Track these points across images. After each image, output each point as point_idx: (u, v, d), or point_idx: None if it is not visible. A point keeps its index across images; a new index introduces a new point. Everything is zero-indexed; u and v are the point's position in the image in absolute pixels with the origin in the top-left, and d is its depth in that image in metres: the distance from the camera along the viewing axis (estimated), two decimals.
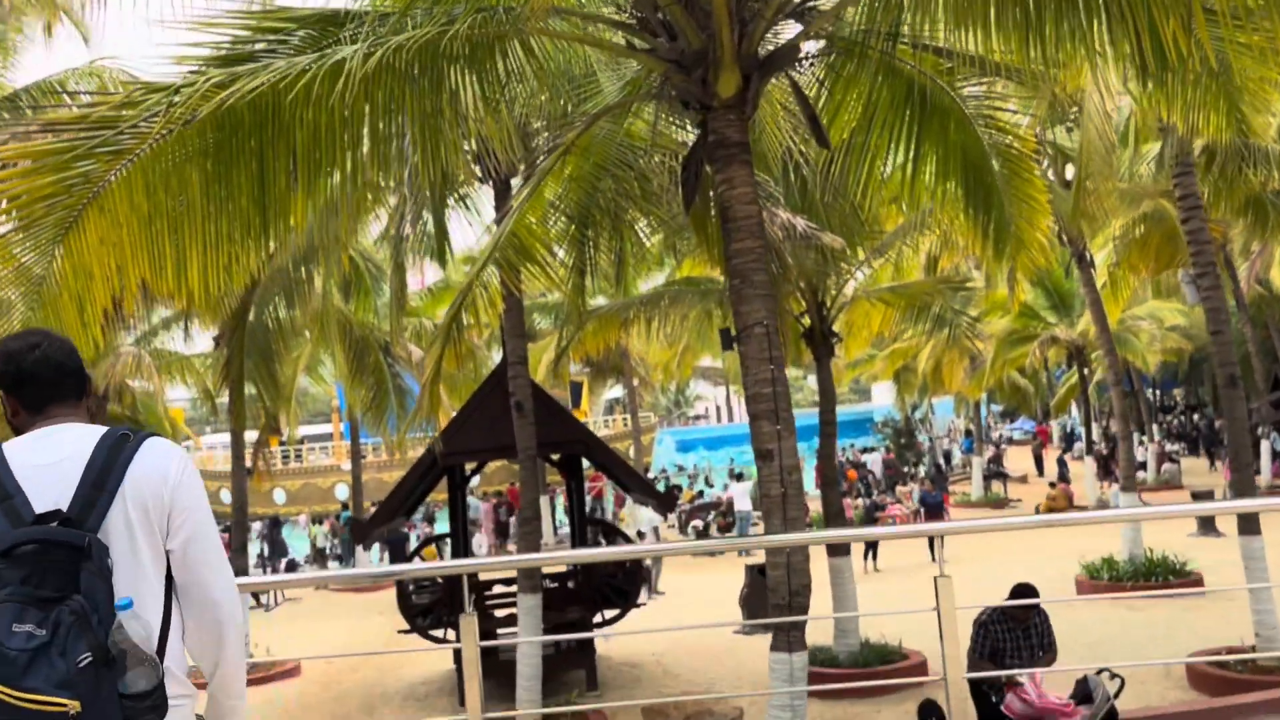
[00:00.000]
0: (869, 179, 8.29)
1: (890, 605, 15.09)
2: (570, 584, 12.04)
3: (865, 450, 40.70)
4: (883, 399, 49.06)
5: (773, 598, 6.21)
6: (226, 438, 46.28)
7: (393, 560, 26.52)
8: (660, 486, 27.55)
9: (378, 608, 20.65)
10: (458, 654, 12.34)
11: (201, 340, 20.23)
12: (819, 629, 13.66)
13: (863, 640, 11.92)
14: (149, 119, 5.50)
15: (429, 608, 12.31)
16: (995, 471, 32.78)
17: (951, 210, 8.28)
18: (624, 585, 12.51)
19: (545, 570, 11.05)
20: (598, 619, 12.55)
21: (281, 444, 46.57)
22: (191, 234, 5.81)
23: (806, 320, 11.96)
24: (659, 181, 9.00)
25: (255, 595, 22.29)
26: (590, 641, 12.23)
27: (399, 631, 12.58)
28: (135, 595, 2.04)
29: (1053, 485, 29.86)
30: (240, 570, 15.39)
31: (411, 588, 12.66)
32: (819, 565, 13.51)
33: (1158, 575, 15.01)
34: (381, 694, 13.25)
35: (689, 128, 8.84)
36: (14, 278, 5.65)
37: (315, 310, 14.46)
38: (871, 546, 19.55)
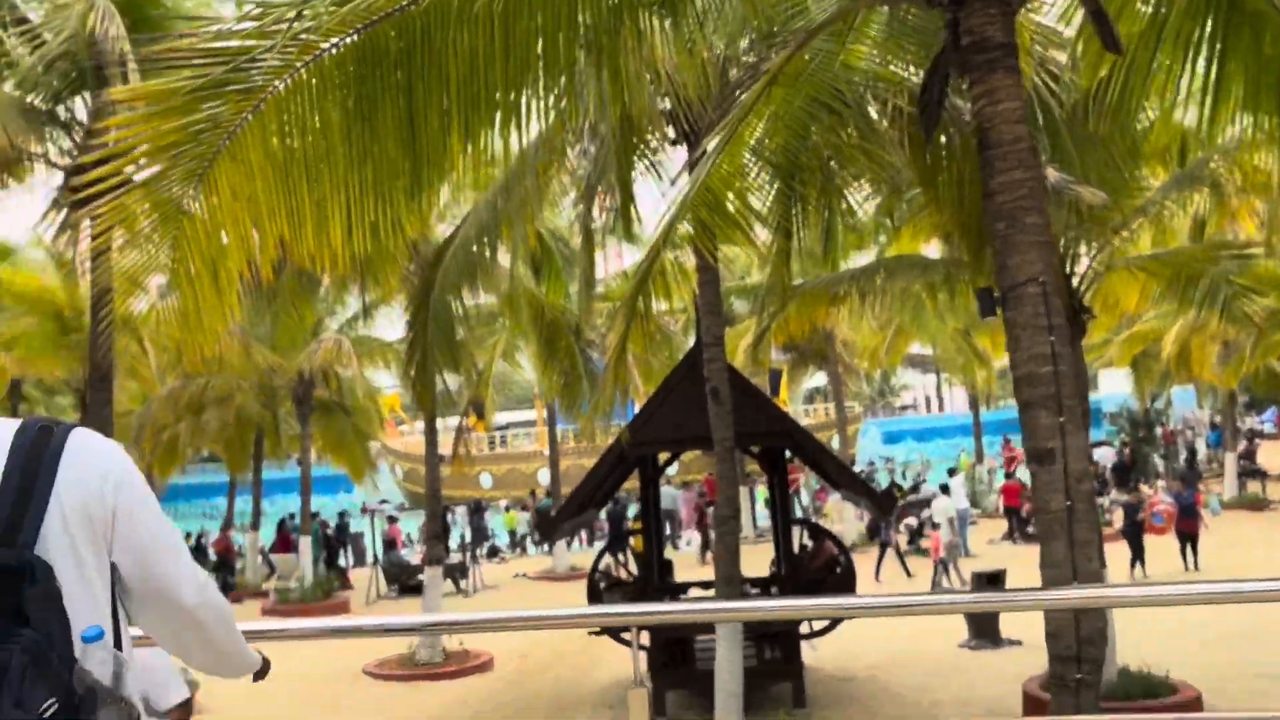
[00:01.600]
0: (1136, 110, 6.62)
1: (1152, 625, 13.04)
2: (774, 589, 10.84)
3: (1095, 445, 37.13)
4: (1110, 387, 44.91)
5: (1053, 645, 4.78)
6: (442, 422, 47.90)
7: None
8: (875, 482, 25.84)
9: (575, 597, 20.15)
10: (651, 659, 11.39)
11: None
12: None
13: (1121, 668, 10.11)
14: (283, 50, 4.67)
15: None
16: (1250, 469, 29.08)
17: (1265, 149, 6.49)
18: (837, 591, 11.19)
19: (746, 573, 9.90)
20: (804, 628, 11.30)
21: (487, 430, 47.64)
22: (333, 185, 4.97)
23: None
24: (879, 128, 7.62)
25: (454, 580, 22.27)
26: (797, 652, 10.99)
27: (589, 633, 11.75)
28: (92, 622, 1.70)
29: None
30: (436, 558, 15.06)
31: (603, 584, 11.81)
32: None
33: None
34: (574, 697, 12.50)
35: (913, 71, 7.44)
36: (140, 241, 4.96)
37: (505, 291, 13.87)
38: (1138, 550, 17.22)
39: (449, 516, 29.26)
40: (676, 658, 10.97)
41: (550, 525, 10.78)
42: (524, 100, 5.32)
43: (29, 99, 10.32)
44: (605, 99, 5.61)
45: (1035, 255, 4.47)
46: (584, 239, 11.21)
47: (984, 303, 4.74)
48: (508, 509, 30.50)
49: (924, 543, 23.48)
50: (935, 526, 18.67)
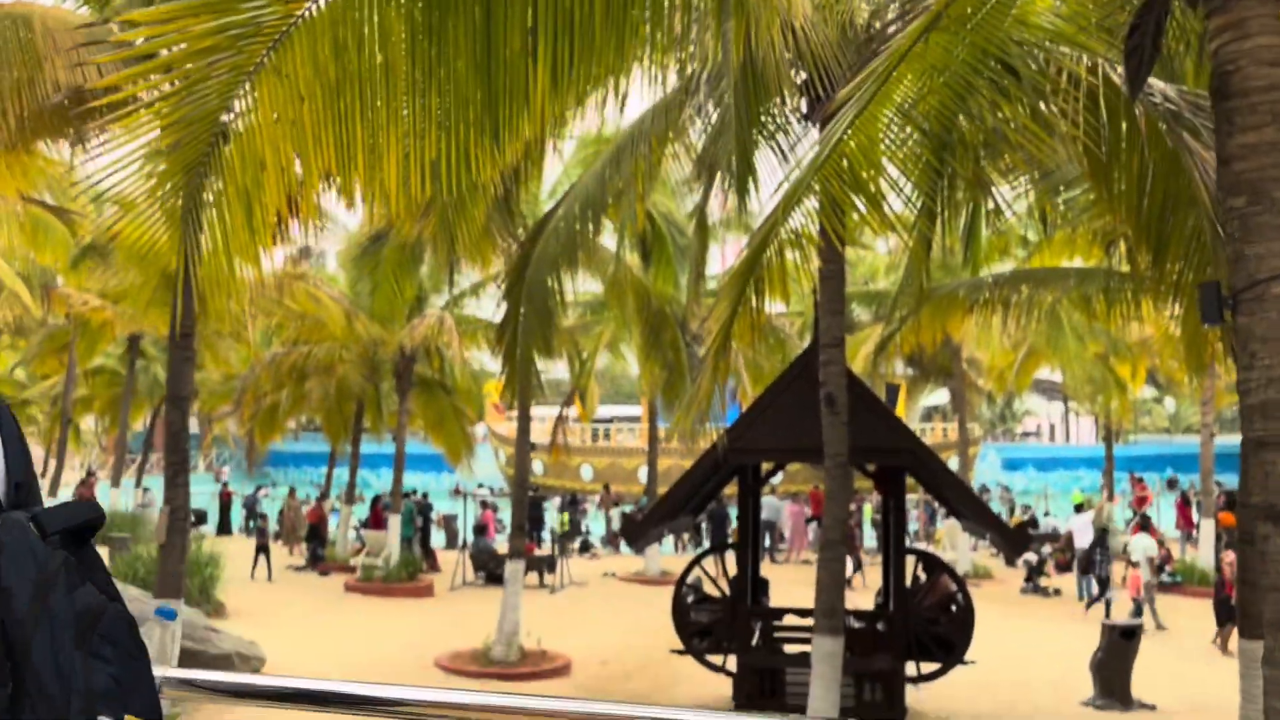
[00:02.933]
0: None
1: None
2: (880, 625, 9.70)
3: None
4: None
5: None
6: (545, 410, 47.54)
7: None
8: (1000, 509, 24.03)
9: (666, 601, 19.23)
10: (738, 686, 10.38)
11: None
12: None
13: None
14: None
15: (707, 628, 10.43)
16: None
17: None
18: (949, 635, 9.98)
19: (850, 607, 8.80)
20: (911, 669, 10.12)
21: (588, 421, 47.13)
22: (391, 112, 4.13)
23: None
24: (1050, 103, 6.43)
25: (540, 573, 21.60)
26: (901, 694, 9.84)
27: (672, 651, 10.81)
28: None
29: None
30: (517, 550, 14.34)
31: (690, 599, 10.85)
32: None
33: None
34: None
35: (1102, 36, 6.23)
36: (169, 164, 4.21)
37: (610, 275, 13.03)
38: None
39: (543, 507, 28.73)
40: (766, 688, 9.94)
41: (636, 529, 9.87)
42: (626, 31, 4.39)
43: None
44: (727, 43, 4.63)
45: None
46: (698, 223, 10.26)
47: (1208, 303, 3.59)
48: (561, 509, 29.62)
49: (1044, 580, 21.79)
50: (1134, 565, 17.59)
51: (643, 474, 45.67)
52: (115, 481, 28.54)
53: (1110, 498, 31.40)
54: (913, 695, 10.71)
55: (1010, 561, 9.07)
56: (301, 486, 46.87)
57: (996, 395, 40.35)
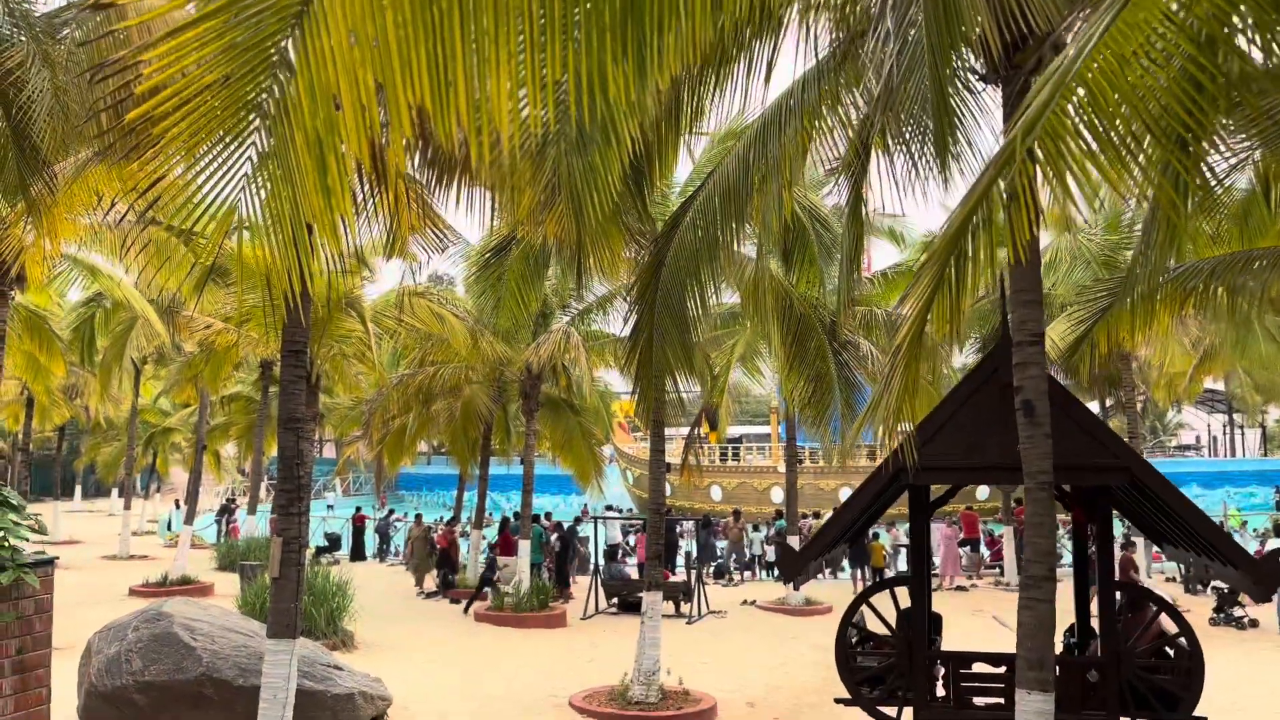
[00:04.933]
0: None
1: None
2: (1091, 675, 8.17)
3: None
4: None
5: None
6: (672, 430, 46.62)
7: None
8: None
9: (813, 634, 17.83)
10: None
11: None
12: None
13: None
14: None
15: (878, 675, 9.06)
16: None
17: None
18: (1173, 688, 8.36)
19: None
20: None
21: (719, 442, 45.94)
22: (500, 19, 3.07)
23: None
24: None
25: (675, 602, 20.43)
26: None
27: (837, 701, 9.47)
28: None
29: None
30: (655, 581, 13.20)
31: (855, 642, 9.51)
32: None
33: None
34: None
35: None
36: (220, 105, 3.24)
37: (748, 277, 11.82)
38: None
39: (677, 530, 27.60)
40: None
41: (795, 562, 8.61)
42: None
43: None
44: None
45: None
46: (851, 210, 8.96)
47: None
48: (625, 532, 28.02)
49: (1237, 610, 19.44)
50: None
51: (775, 494, 44.36)
52: (251, 509, 28.71)
53: None
54: None
55: (1259, 599, 7.52)
56: (432, 510, 47.13)
57: (1165, 406, 37.30)
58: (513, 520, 24.27)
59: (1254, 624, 19.06)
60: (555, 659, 15.99)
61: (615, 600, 21.07)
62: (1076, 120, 4.35)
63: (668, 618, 19.20)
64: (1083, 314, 10.02)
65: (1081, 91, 4.26)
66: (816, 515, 30.31)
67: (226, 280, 15.35)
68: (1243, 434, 65.24)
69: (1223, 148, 7.45)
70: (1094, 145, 4.32)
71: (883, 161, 8.66)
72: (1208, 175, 6.92)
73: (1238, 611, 19.43)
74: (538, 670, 15.10)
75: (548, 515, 28.21)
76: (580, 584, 23.48)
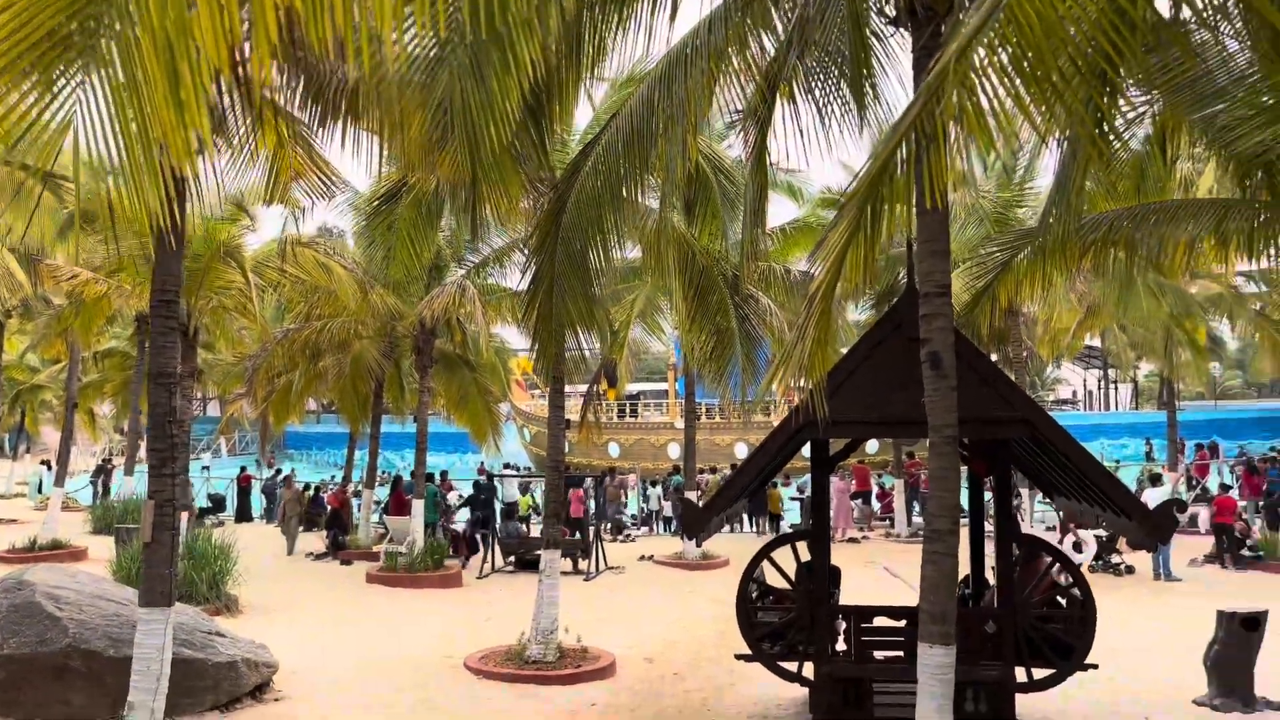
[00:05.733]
0: None
1: None
2: (989, 626, 8.24)
3: None
4: None
5: None
6: (570, 389, 46.19)
7: None
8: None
9: (711, 587, 17.85)
10: (815, 700, 8.97)
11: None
12: None
13: None
14: None
15: (779, 630, 9.01)
16: None
17: None
18: (1067, 636, 8.51)
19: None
20: (1021, 675, 8.67)
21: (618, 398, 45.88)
22: None
23: None
24: None
25: (574, 559, 20.26)
26: (1011, 708, 8.39)
27: (737, 656, 9.39)
28: None
29: None
30: (554, 540, 12.94)
31: (756, 597, 9.42)
32: None
33: None
34: None
35: None
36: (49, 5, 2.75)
37: (649, 229, 11.51)
38: None
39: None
40: (850, 700, 8.52)
41: (699, 518, 8.44)
42: None
43: None
44: None
45: None
46: (755, 158, 8.71)
47: None
48: (523, 490, 27.88)
49: (1115, 557, 20.25)
50: None
51: (672, 450, 44.53)
52: (129, 469, 27.37)
53: (1174, 466, 29.71)
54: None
55: (1149, 549, 7.83)
56: (324, 470, 45.90)
57: (1047, 362, 38.59)
58: (406, 479, 23.69)
59: (1130, 570, 19.87)
60: (450, 620, 15.65)
61: (513, 559, 20.79)
62: (1001, 54, 4.15)
63: (565, 575, 19.00)
64: (982, 269, 10.03)
65: (1006, 22, 4.05)
66: (714, 470, 30.47)
67: (94, 226, 14.34)
68: (1116, 389, 68.34)
69: (1123, 103, 7.44)
70: (1018, 82, 4.12)
71: (788, 110, 8.44)
72: (1108, 131, 6.87)
73: (1115, 559, 20.24)
74: (432, 632, 14.74)
75: (443, 474, 27.68)
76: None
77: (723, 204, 12.44)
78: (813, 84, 8.13)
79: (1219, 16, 6.16)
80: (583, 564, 20.31)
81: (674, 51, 7.86)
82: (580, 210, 8.42)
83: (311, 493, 29.86)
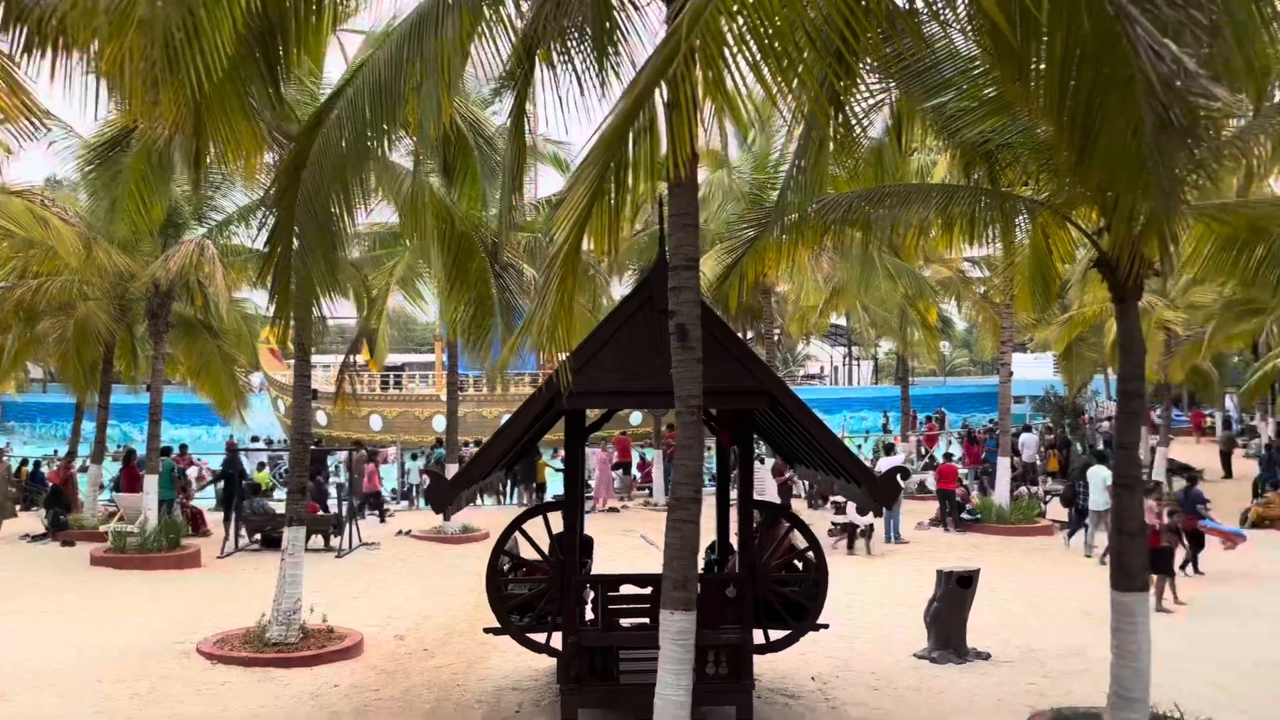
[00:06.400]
0: None
1: (1193, 662, 11.13)
2: (729, 591, 8.50)
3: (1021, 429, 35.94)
4: (1026, 372, 43.92)
5: None
6: (330, 359, 44.16)
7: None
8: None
9: (469, 561, 17.57)
10: (563, 668, 8.97)
11: None
12: (1086, 687, 9.91)
13: (1153, 713, 8.10)
14: None
15: (529, 602, 8.93)
16: (1180, 466, 28.03)
17: None
18: (801, 598, 8.91)
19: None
20: (759, 637, 9.02)
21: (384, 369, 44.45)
22: None
23: (1107, 241, 7.97)
24: None
25: (325, 536, 19.45)
26: (749, 668, 8.71)
27: (485, 630, 9.26)
28: None
29: (1261, 488, 25.27)
30: (297, 515, 12.31)
31: (507, 569, 9.30)
32: (1095, 599, 9.71)
33: None
34: (457, 702, 10.01)
35: None
36: None
37: (405, 192, 11.05)
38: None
39: (327, 462, 26.32)
40: (598, 668, 8.57)
41: (446, 492, 8.19)
42: None
43: None
44: None
45: None
46: (514, 123, 8.49)
47: None
48: (260, 466, 27.16)
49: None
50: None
51: (437, 423, 43.62)
52: None
53: (905, 437, 32.08)
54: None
55: (877, 513, 8.37)
56: (50, 444, 41.83)
57: (797, 339, 40.64)
58: (140, 453, 21.94)
59: (865, 535, 21.23)
60: (186, 603, 14.62)
61: (258, 536, 19.71)
62: (741, 24, 4.15)
63: (316, 552, 18.22)
64: (733, 244, 10.29)
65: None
66: (479, 444, 30.12)
67: None
68: (859, 365, 73.14)
69: (863, 88, 7.77)
70: (756, 53, 4.15)
71: (548, 77, 8.27)
72: (848, 114, 7.15)
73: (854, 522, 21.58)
74: (164, 616, 13.73)
75: (183, 448, 25.87)
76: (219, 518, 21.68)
77: (483, 170, 12.12)
78: (572, 52, 8.00)
79: (948, 8, 6.52)
80: (335, 541, 19.52)
81: (425, 3, 7.51)
82: (324, 166, 7.91)
83: (31, 468, 27.19)
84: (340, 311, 23.91)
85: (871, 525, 19.65)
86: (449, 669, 11.25)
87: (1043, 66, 5.74)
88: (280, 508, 18.75)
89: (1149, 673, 7.85)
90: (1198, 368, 33.27)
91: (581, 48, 8.21)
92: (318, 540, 18.99)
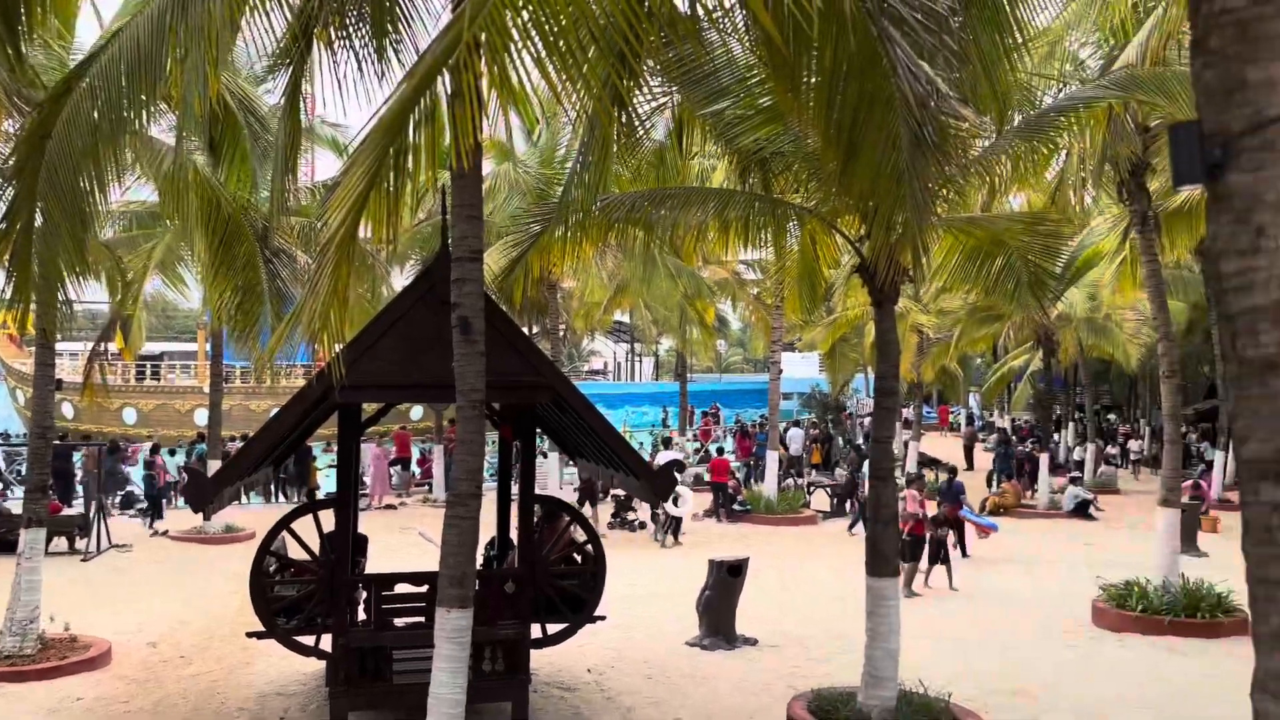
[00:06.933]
0: None
1: (937, 641, 11.95)
2: (508, 587, 8.46)
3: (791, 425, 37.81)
4: (794, 370, 46.30)
5: None
6: (79, 346, 40.58)
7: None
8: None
9: (233, 563, 16.63)
10: (332, 670, 8.67)
11: None
12: (844, 668, 10.45)
13: (901, 690, 8.71)
14: None
15: (297, 604, 8.56)
16: (930, 460, 30.32)
17: None
18: (580, 591, 8.99)
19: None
20: (536, 631, 9.04)
21: (139, 358, 41.41)
22: None
23: (868, 248, 8.49)
24: None
25: (70, 538, 17.92)
26: (525, 663, 8.71)
27: (248, 634, 8.80)
28: None
29: (996, 480, 27.70)
30: (36, 516, 11.27)
31: (274, 570, 8.88)
32: (854, 585, 10.28)
33: (1204, 612, 12.33)
34: (216, 710, 9.46)
35: None
36: None
37: (166, 169, 10.32)
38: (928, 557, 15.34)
39: (73, 458, 24.21)
40: (369, 669, 8.32)
41: (205, 489, 7.70)
42: None
43: None
44: None
45: None
46: (289, 103, 8.11)
47: (1183, 155, 2.43)
48: (169, 452, 25.38)
49: (630, 514, 22.02)
50: None
51: (199, 417, 41.06)
52: None
53: (683, 431, 33.01)
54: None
55: (653, 506, 8.52)
56: None
57: (582, 334, 41.05)
58: None
59: (643, 526, 21.72)
60: None
61: None
62: (525, 19, 4.14)
63: (60, 555, 16.76)
64: (519, 237, 10.26)
65: None
66: (245, 439, 28.57)
67: None
68: (641, 361, 74.78)
69: (646, 90, 7.93)
70: (541, 48, 4.14)
71: (326, 57, 7.94)
72: (631, 115, 7.27)
73: (631, 515, 22.04)
74: None
75: None
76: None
77: (254, 151, 11.47)
78: (351, 31, 7.71)
79: (726, 17, 6.74)
80: (83, 543, 18.01)
81: None
82: (73, 135, 7.26)
83: None
84: (90, 296, 22.05)
85: (680, 517, 20.15)
86: (208, 676, 10.62)
87: (813, 79, 6.04)
88: (17, 507, 17.07)
89: (898, 653, 8.42)
90: (946, 368, 36.11)
91: (361, 28, 7.93)
92: (61, 543, 17.47)
